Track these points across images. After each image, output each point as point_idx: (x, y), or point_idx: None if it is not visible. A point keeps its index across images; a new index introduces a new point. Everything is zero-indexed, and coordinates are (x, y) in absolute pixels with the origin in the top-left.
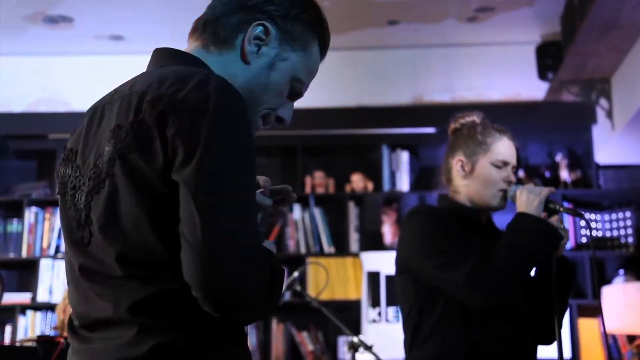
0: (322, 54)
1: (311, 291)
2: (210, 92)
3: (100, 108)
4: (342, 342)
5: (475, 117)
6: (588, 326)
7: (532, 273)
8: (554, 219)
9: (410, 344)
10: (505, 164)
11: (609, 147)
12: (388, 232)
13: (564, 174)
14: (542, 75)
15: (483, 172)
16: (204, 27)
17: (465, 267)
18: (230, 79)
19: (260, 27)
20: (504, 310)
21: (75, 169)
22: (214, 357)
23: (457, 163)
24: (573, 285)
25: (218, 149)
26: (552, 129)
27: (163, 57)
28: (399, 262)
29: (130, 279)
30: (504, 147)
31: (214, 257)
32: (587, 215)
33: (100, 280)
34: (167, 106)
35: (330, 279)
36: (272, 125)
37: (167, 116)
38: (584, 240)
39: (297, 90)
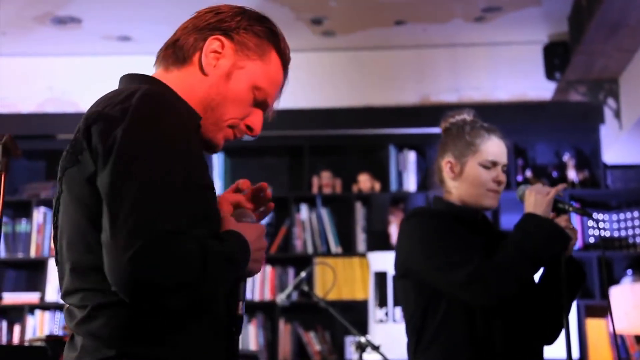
0: (283, 63)
1: (318, 291)
2: (131, 102)
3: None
4: (349, 342)
5: (465, 116)
6: (596, 326)
7: (539, 273)
8: (563, 219)
9: (414, 349)
10: (494, 164)
11: (617, 147)
12: (395, 232)
13: (572, 174)
14: (550, 75)
15: (472, 174)
16: (165, 52)
17: (469, 265)
18: (189, 91)
19: (217, 41)
20: (508, 309)
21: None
22: None
23: (446, 165)
24: (582, 286)
25: (129, 153)
26: (559, 129)
27: (124, 82)
28: (398, 266)
29: (79, 292)
30: (492, 147)
31: (121, 254)
32: (595, 215)
33: (67, 295)
34: (93, 120)
35: (337, 279)
36: (242, 134)
37: (91, 128)
38: (592, 240)
39: (260, 98)
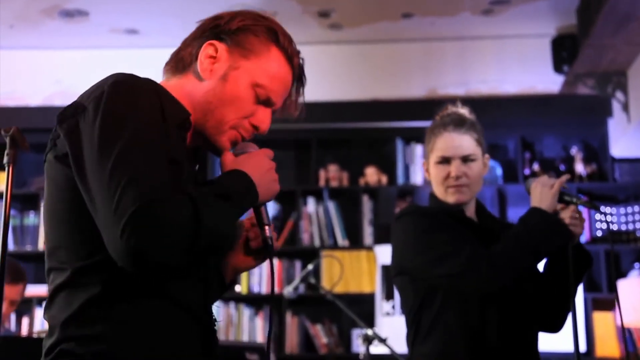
0: (287, 57)
1: (325, 284)
2: (100, 87)
3: None
4: (356, 334)
5: (447, 111)
6: (603, 319)
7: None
8: (569, 211)
9: (412, 341)
10: (446, 159)
11: (625, 140)
12: None
13: (579, 167)
14: (558, 68)
15: (432, 173)
16: (167, 65)
17: (462, 255)
18: (187, 97)
19: (210, 47)
20: (505, 299)
21: None
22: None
23: (423, 166)
24: (586, 273)
25: (93, 135)
26: (567, 122)
27: None
28: (394, 265)
29: (49, 274)
30: (442, 143)
31: (114, 230)
32: (602, 209)
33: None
34: (67, 109)
35: (344, 272)
36: (248, 133)
37: (64, 115)
38: (599, 233)
39: (263, 96)
